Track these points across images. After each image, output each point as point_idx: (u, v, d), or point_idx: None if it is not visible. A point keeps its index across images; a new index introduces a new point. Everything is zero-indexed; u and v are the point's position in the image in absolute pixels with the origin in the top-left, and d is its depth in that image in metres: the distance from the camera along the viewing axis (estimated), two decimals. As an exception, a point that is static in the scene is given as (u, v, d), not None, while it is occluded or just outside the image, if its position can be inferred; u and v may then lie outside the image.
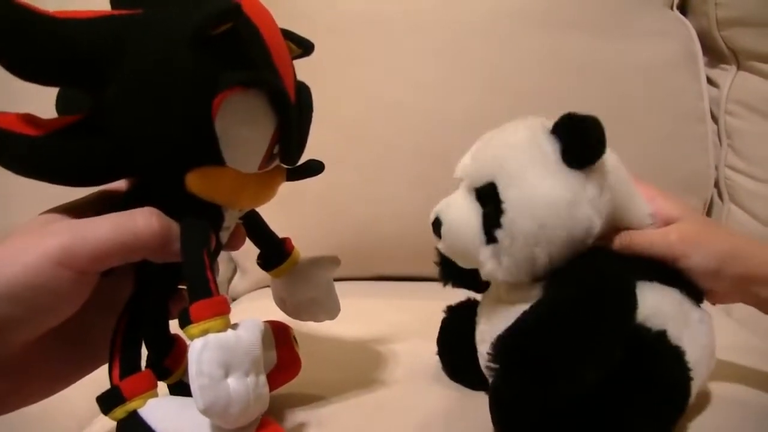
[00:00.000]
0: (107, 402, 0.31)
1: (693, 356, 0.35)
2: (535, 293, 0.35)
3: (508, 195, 0.34)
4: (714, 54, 0.74)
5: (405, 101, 0.69)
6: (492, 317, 0.38)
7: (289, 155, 0.34)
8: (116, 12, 0.30)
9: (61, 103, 0.34)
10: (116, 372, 0.31)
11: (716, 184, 0.73)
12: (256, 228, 0.40)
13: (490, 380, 0.33)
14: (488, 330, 0.38)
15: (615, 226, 0.37)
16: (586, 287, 0.33)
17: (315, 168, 0.39)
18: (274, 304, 0.43)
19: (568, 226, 0.34)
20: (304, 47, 0.37)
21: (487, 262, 0.36)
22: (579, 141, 0.34)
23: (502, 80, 0.68)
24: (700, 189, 0.71)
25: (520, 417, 0.33)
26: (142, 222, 0.30)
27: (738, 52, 0.72)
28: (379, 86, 0.70)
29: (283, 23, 0.34)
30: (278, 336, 0.39)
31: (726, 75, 0.73)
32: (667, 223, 0.38)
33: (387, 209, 0.70)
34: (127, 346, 0.32)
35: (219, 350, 0.28)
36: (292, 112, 0.33)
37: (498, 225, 0.34)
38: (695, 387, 0.36)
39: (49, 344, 0.30)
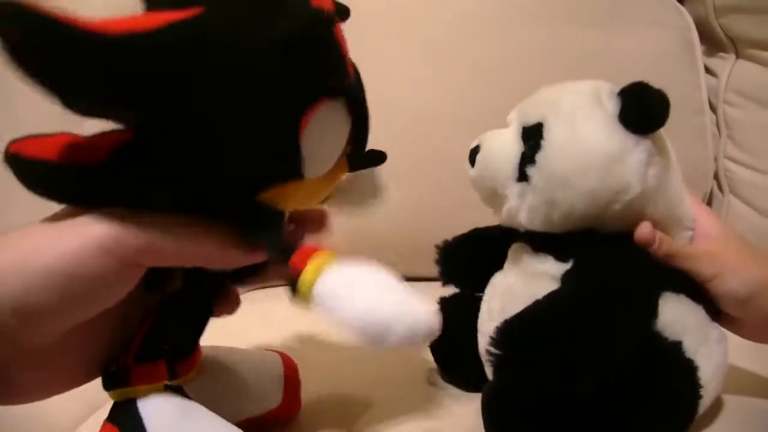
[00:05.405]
0: (111, 379, 0.29)
1: (706, 374, 0.34)
2: (556, 270, 0.34)
3: (551, 133, 0.34)
4: (712, 42, 0.72)
5: (398, 99, 0.68)
6: (506, 295, 0.38)
7: (361, 149, 0.33)
8: (174, 16, 0.23)
9: None
10: (132, 353, 0.29)
11: (716, 176, 0.72)
12: None
13: (487, 364, 0.32)
14: (499, 310, 0.37)
15: (655, 221, 0.35)
16: (605, 288, 0.32)
17: (377, 158, 0.36)
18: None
19: (600, 178, 0.32)
20: (341, 14, 0.33)
21: (512, 198, 0.35)
22: (640, 103, 0.33)
23: (496, 76, 0.67)
24: (699, 181, 0.70)
25: (510, 410, 0.32)
26: (212, 242, 0.27)
27: (736, 40, 0.70)
28: (371, 84, 0.68)
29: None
30: (288, 381, 0.39)
31: (724, 64, 0.72)
32: (703, 238, 0.37)
33: (380, 209, 0.69)
34: (154, 334, 0.30)
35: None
36: (366, 112, 0.30)
37: (533, 161, 0.34)
38: (702, 406, 0.34)
39: (78, 335, 0.28)
